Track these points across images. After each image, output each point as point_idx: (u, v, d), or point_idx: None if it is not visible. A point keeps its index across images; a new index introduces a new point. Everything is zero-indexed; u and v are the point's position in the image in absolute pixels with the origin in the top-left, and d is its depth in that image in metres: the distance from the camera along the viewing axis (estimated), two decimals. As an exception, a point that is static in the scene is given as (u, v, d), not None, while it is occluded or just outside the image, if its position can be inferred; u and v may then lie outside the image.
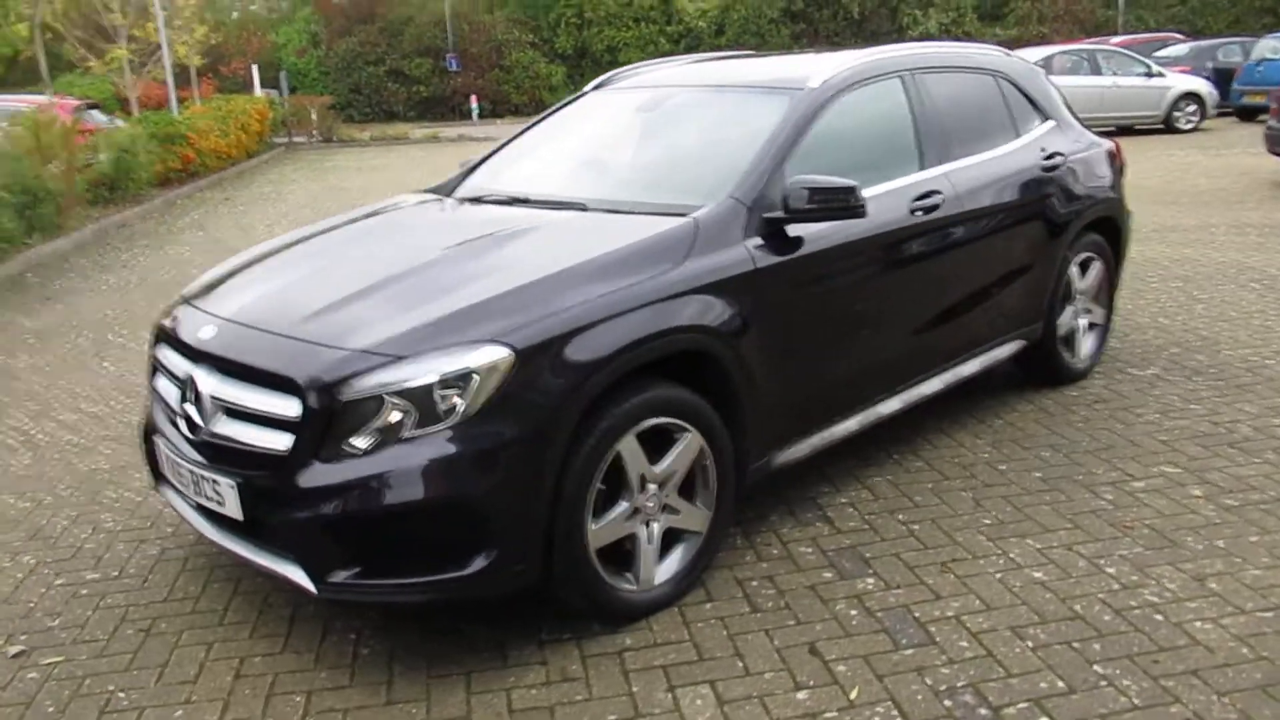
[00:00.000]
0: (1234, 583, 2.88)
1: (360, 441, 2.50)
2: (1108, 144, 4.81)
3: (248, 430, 2.65)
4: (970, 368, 4.07)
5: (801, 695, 2.51)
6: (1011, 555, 3.12)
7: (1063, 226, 4.35)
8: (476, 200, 3.76)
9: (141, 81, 20.74)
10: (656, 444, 2.86)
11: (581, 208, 3.38)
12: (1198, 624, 2.69)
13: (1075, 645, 2.63)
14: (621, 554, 2.87)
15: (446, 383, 2.49)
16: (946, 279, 3.84)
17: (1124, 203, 4.81)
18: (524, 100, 33.88)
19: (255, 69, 26.71)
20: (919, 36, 32.70)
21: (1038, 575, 2.99)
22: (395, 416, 2.49)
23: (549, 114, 4.38)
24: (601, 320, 2.69)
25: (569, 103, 4.37)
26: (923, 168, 3.78)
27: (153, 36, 18.99)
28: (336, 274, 3.09)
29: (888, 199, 3.53)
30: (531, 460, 2.55)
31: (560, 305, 2.67)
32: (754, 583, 3.05)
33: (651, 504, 2.86)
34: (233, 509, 2.66)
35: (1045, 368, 4.58)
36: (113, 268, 8.97)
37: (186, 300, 3.18)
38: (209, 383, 2.76)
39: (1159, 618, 2.73)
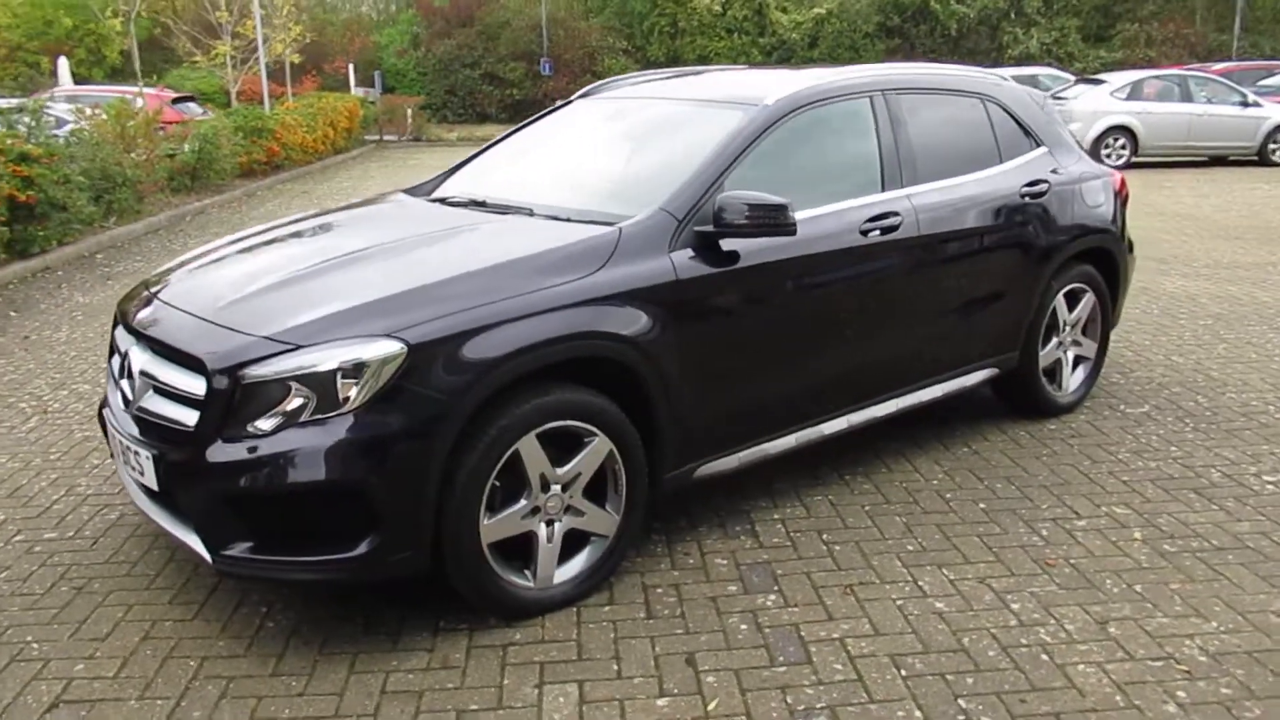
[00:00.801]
0: (1135, 629, 2.79)
1: (264, 424, 2.64)
2: (1109, 173, 4.67)
3: (165, 405, 2.82)
4: (932, 393, 4.00)
5: (661, 702, 2.54)
6: (921, 583, 3.08)
7: (1046, 255, 4.24)
8: (442, 201, 3.88)
9: (244, 76, 21.76)
10: (568, 445, 2.92)
11: (528, 213, 3.47)
12: (1081, 667, 2.62)
13: (949, 678, 2.59)
14: (526, 551, 2.94)
15: (344, 372, 2.61)
16: (902, 301, 3.79)
17: (1123, 234, 4.66)
18: (612, 106, 34.16)
19: (351, 68, 27.70)
20: (1019, 56, 31.87)
21: (939, 605, 2.95)
22: (296, 402, 2.62)
23: (533, 120, 4.49)
24: (502, 321, 2.76)
25: (553, 110, 4.47)
26: (884, 189, 3.74)
27: (253, 34, 19.93)
28: (274, 264, 3.24)
29: (834, 218, 3.52)
30: (420, 451, 2.64)
31: (463, 304, 2.75)
32: (659, 589, 3.08)
33: (553, 504, 2.92)
34: (150, 479, 2.84)
35: (1025, 399, 4.47)
36: (179, 252, 9.44)
37: (146, 285, 3.38)
38: (140, 359, 2.95)
39: (1044, 657, 2.66)
